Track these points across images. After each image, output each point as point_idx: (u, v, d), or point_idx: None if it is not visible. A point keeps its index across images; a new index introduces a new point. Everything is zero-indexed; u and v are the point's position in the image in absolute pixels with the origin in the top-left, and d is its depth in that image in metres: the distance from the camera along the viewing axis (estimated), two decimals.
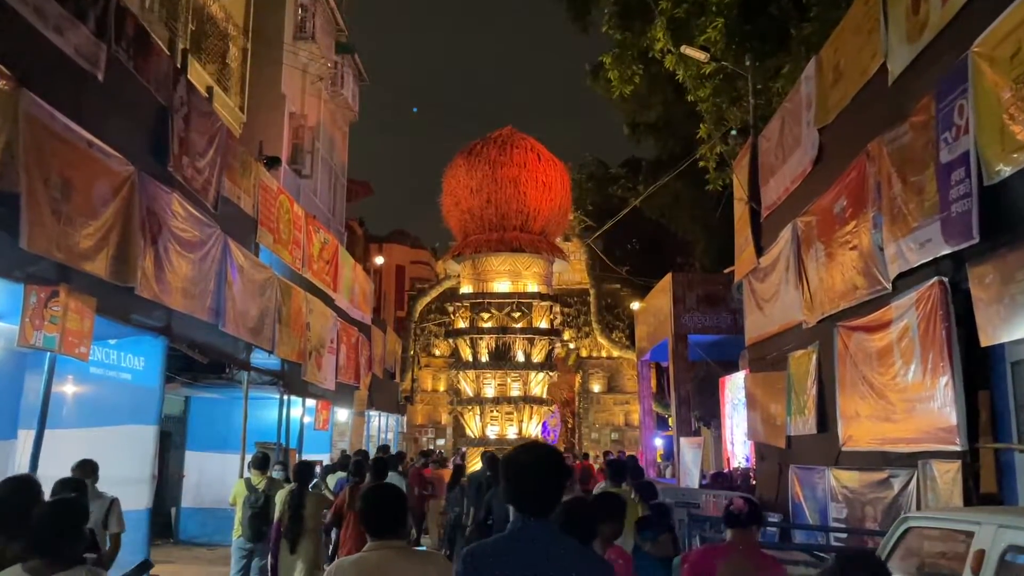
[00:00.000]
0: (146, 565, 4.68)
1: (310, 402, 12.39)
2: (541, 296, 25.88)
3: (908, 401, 6.18)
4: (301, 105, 17.70)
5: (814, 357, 8.30)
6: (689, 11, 13.23)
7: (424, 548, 5.58)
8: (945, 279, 5.58)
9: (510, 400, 25.48)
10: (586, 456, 21.96)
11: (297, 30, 16.88)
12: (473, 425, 25.79)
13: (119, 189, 6.39)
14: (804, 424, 8.53)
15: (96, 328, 6.20)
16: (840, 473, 7.53)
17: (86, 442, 7.34)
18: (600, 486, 9.26)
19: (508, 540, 2.20)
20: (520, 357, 25.55)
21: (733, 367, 16.10)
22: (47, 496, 4.35)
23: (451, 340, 26.89)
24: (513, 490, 2.22)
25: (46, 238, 5.43)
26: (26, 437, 6.17)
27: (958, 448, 5.50)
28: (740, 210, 11.40)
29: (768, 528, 9.03)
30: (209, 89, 11.42)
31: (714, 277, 16.83)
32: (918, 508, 6.05)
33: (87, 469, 5.53)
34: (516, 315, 25.54)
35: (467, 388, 26.10)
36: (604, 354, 29.11)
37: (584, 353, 29.35)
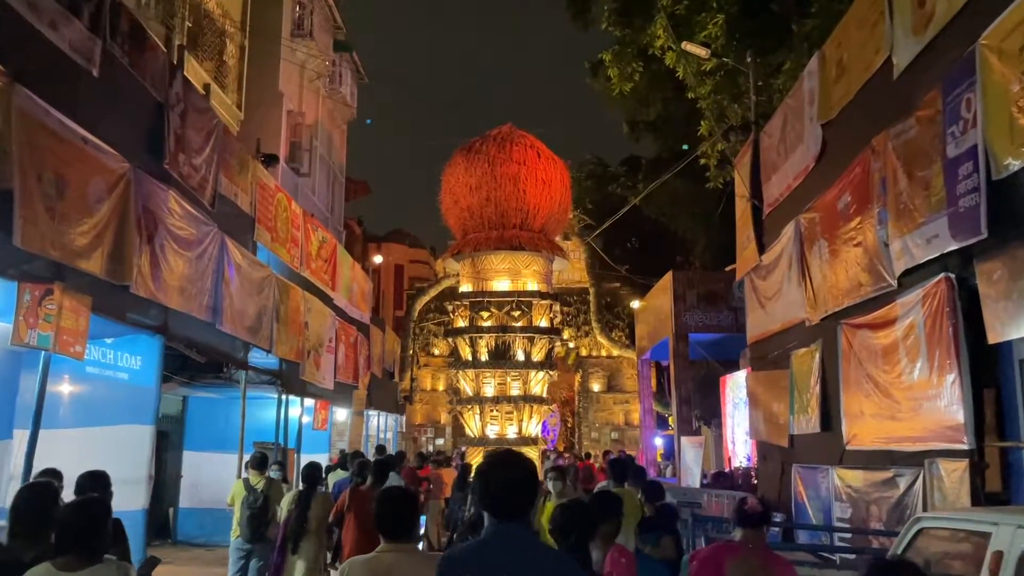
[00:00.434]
0: (154, 561, 4.63)
1: (308, 402, 12.31)
2: (541, 295, 25.76)
3: (914, 399, 6.11)
4: (299, 103, 17.61)
5: (817, 355, 8.23)
6: (689, 7, 13.16)
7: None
8: (952, 275, 5.52)
9: (510, 399, 25.37)
10: (588, 456, 21.92)
11: (295, 27, 16.79)
12: (473, 424, 25.69)
13: (114, 186, 6.31)
14: (807, 423, 8.46)
15: (92, 327, 6.13)
16: (844, 472, 7.46)
17: (82, 442, 7.28)
18: (601, 486, 9.19)
19: (482, 545, 2.24)
20: (520, 356, 25.43)
21: (734, 366, 16.03)
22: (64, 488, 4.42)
23: (450, 339, 26.76)
24: (487, 496, 2.26)
25: (40, 235, 5.35)
26: (22, 437, 6.10)
27: (965, 447, 5.43)
28: (742, 207, 11.33)
29: (771, 528, 8.97)
30: (206, 86, 11.33)
31: (715, 275, 16.75)
32: (924, 508, 5.98)
33: (49, 477, 4.87)
34: (516, 314, 25.43)
35: (466, 387, 26.00)
36: (604, 353, 29.03)
37: (584, 352, 29.27)
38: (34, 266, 5.54)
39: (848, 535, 7.32)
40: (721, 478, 13.73)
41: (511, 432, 25.19)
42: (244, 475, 7.84)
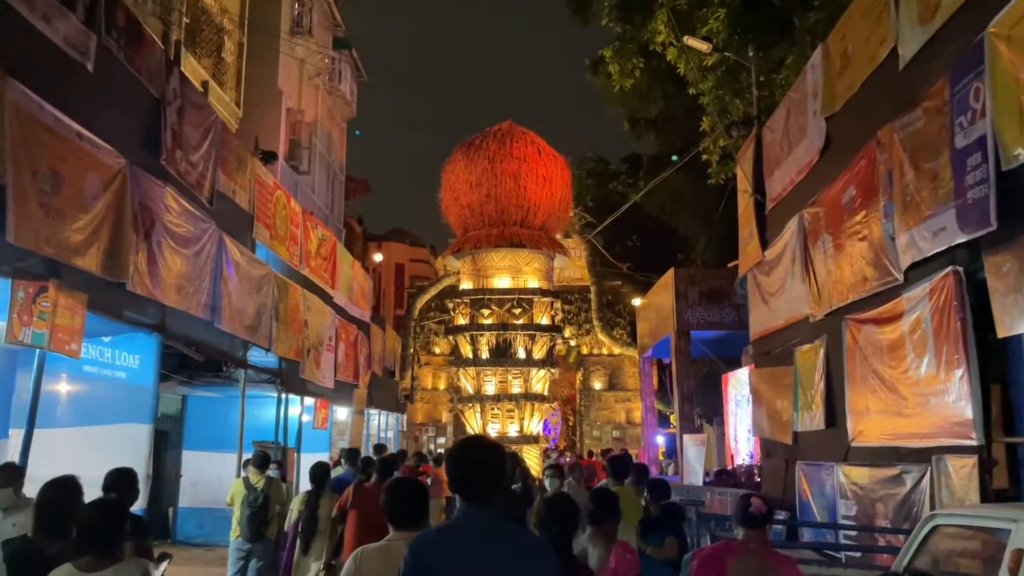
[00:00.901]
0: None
1: (308, 400, 12.23)
2: (542, 292, 25.64)
3: (921, 395, 6.03)
4: (298, 101, 17.53)
5: (822, 351, 8.15)
6: (691, 2, 13.08)
7: None
8: (960, 268, 5.44)
9: (511, 397, 25.26)
10: (590, 454, 21.84)
11: (294, 25, 16.70)
12: (474, 423, 25.59)
13: (110, 182, 6.23)
14: (811, 420, 8.38)
15: (89, 325, 6.05)
16: (849, 469, 7.38)
17: (80, 441, 7.22)
18: (602, 484, 9.11)
19: (454, 527, 2.36)
20: (521, 354, 25.33)
21: (736, 363, 15.96)
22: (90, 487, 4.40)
23: (451, 337, 26.63)
24: (457, 479, 2.37)
25: (34, 232, 5.27)
26: (18, 437, 6.02)
27: (974, 443, 5.35)
28: (744, 203, 11.24)
29: (775, 526, 8.90)
30: (204, 83, 11.24)
31: (717, 272, 16.66)
32: (932, 505, 5.90)
33: (10, 474, 4.73)
34: (517, 311, 25.32)
35: (467, 385, 25.90)
36: (605, 351, 28.95)
37: (585, 350, 29.19)
38: (29, 263, 5.47)
39: (853, 533, 7.25)
40: (724, 476, 13.67)
41: (512, 430, 25.09)
42: (244, 474, 7.79)
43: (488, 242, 25.04)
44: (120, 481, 4.30)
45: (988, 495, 5.25)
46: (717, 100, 13.26)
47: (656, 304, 18.97)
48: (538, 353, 25.47)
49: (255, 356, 10.02)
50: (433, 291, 29.04)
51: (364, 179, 29.75)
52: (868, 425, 7.02)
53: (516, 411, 25.28)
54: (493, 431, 25.05)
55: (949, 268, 5.52)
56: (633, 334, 25.45)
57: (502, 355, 25.25)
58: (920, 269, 5.96)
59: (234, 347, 9.31)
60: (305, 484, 11.91)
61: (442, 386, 29.04)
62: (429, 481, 12.28)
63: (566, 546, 3.06)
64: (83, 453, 7.12)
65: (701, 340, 16.30)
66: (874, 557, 6.68)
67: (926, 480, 6.04)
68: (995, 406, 5.73)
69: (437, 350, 29.00)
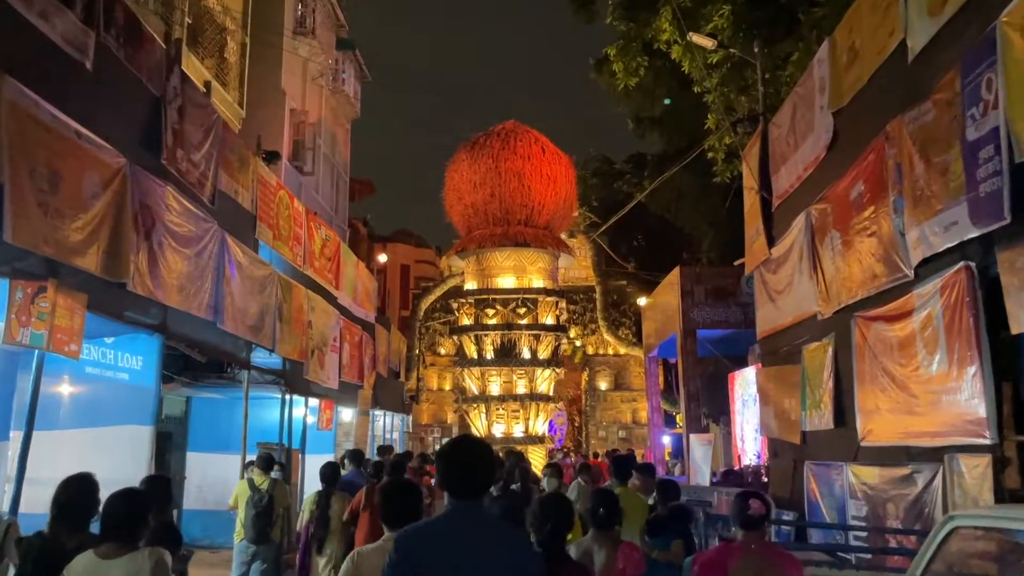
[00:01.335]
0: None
1: (313, 402, 12.17)
2: (547, 291, 25.53)
3: (932, 393, 5.92)
4: (302, 101, 17.48)
5: (830, 349, 8.04)
6: None
7: None
8: (972, 264, 5.33)
9: (516, 398, 25.15)
10: (595, 455, 21.73)
11: (297, 25, 16.66)
12: (479, 423, 25.50)
13: (110, 182, 6.17)
14: (820, 419, 8.28)
15: (90, 326, 6.00)
16: (859, 469, 7.27)
17: (82, 443, 7.18)
18: (606, 485, 9.01)
19: (441, 522, 2.44)
20: (526, 354, 25.22)
21: (743, 362, 15.84)
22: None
23: (455, 337, 26.54)
24: (446, 476, 2.46)
25: (32, 231, 5.21)
26: (19, 439, 5.96)
27: (988, 441, 5.25)
28: (750, 200, 11.14)
29: (783, 527, 8.79)
30: (207, 84, 11.18)
31: (723, 270, 16.53)
32: (944, 505, 5.80)
33: None
34: (521, 311, 25.21)
35: (472, 386, 25.80)
36: (611, 351, 28.86)
37: (590, 351, 29.10)
38: (27, 263, 5.40)
39: (864, 534, 7.14)
40: (731, 476, 13.56)
41: (517, 431, 25.00)
42: (248, 475, 7.74)
43: (492, 242, 24.94)
44: (153, 488, 4.42)
45: (1004, 495, 5.14)
46: (722, 97, 13.15)
47: (661, 303, 18.86)
48: (543, 353, 25.36)
49: (259, 357, 9.96)
50: (438, 292, 28.98)
51: (369, 180, 29.73)
52: (878, 424, 6.92)
53: (521, 411, 25.17)
54: (498, 432, 24.96)
55: (961, 263, 5.41)
56: (638, 334, 25.33)
57: (507, 355, 25.15)
58: (931, 265, 5.85)
59: (237, 348, 9.25)
60: (310, 486, 11.93)
61: (447, 387, 28.98)
62: (434, 482, 12.20)
63: (559, 544, 3.11)
64: (85, 455, 7.07)
65: (707, 339, 16.18)
66: (885, 559, 6.58)
67: (938, 480, 5.94)
68: (1007, 404, 5.62)
69: (442, 351, 28.95)
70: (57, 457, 6.98)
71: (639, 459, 18.72)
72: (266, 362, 10.25)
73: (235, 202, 9.29)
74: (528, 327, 25.07)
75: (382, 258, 27.81)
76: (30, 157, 5.20)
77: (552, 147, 25.49)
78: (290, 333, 10.54)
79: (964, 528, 2.72)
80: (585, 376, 29.05)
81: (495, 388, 25.36)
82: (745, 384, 14.95)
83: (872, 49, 6.93)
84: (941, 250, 5.59)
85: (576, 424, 29.66)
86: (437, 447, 25.54)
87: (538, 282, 25.61)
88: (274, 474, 7.65)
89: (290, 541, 10.60)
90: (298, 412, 11.48)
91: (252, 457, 8.57)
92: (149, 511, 3.31)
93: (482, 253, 25.39)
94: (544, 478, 6.78)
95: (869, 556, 6.85)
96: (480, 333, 25.26)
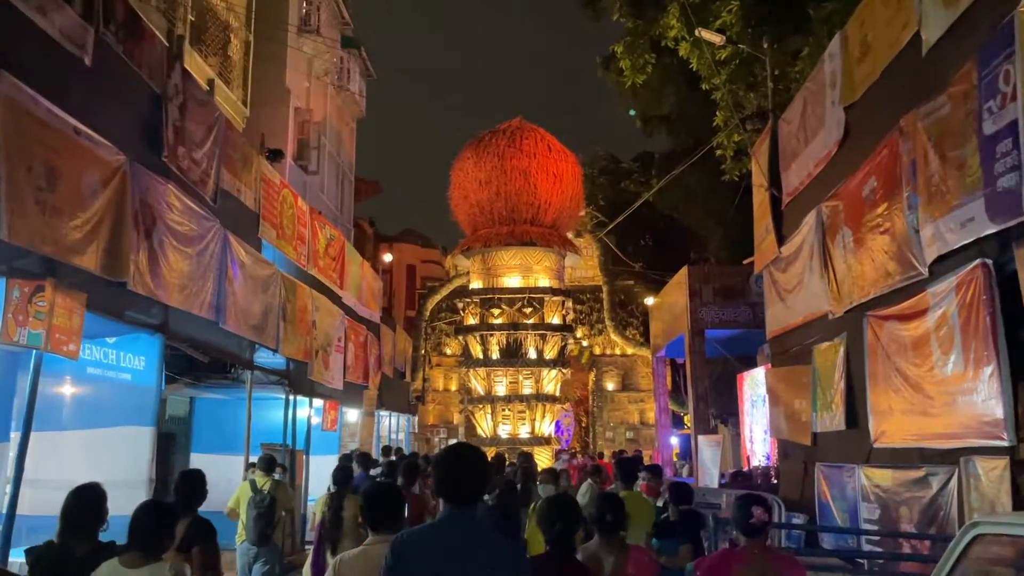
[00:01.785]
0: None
1: (317, 402, 12.09)
2: (553, 291, 25.36)
3: (948, 394, 5.78)
4: (307, 100, 17.41)
5: (841, 349, 7.90)
6: None
7: None
8: (989, 261, 5.19)
9: (522, 398, 24.99)
10: (600, 456, 21.60)
11: (302, 23, 16.59)
12: (484, 424, 25.37)
13: (109, 179, 6.09)
14: (831, 420, 8.14)
15: (91, 326, 5.92)
16: (872, 471, 7.13)
17: (83, 444, 7.11)
18: (611, 489, 8.88)
19: (436, 528, 2.47)
20: (532, 354, 25.07)
21: (752, 362, 15.69)
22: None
23: (461, 337, 26.42)
24: (441, 483, 2.50)
25: (29, 229, 5.13)
26: (19, 440, 5.90)
27: (1005, 443, 5.10)
28: (760, 198, 10.99)
29: (793, 531, 8.65)
30: (210, 82, 11.14)
31: (731, 269, 16.38)
32: (960, 508, 5.66)
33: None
34: (527, 310, 25.06)
35: (478, 386, 25.66)
36: (618, 352, 28.70)
37: (597, 351, 28.94)
38: (25, 262, 5.33)
39: (876, 538, 7.00)
40: (739, 478, 13.42)
41: (523, 432, 24.86)
42: (250, 477, 7.67)
43: (498, 240, 24.80)
44: (187, 483, 4.59)
45: (1022, 498, 5.00)
46: (731, 94, 13.01)
47: (669, 303, 18.71)
48: (549, 353, 25.20)
49: (262, 357, 9.89)
50: (444, 291, 28.88)
51: (375, 180, 29.65)
52: (891, 425, 6.77)
53: (527, 412, 25.03)
54: (504, 433, 24.83)
55: (977, 261, 5.27)
56: (646, 334, 25.17)
57: (513, 355, 24.99)
58: (946, 262, 5.71)
59: (241, 348, 9.18)
60: (315, 487, 11.85)
61: (454, 387, 28.88)
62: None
63: (568, 545, 3.15)
64: (87, 456, 7.02)
65: (716, 339, 16.03)
66: (899, 564, 6.44)
67: (953, 482, 5.80)
68: (1022, 406, 5.48)
69: (448, 351, 28.85)
70: (59, 458, 6.92)
71: (647, 460, 18.60)
72: (270, 362, 10.18)
73: (238, 201, 9.21)
74: (534, 327, 24.91)
75: (387, 258, 27.72)
76: (27, 154, 5.11)
77: (558, 145, 25.33)
78: (294, 333, 10.46)
79: (987, 535, 2.59)
80: (592, 376, 28.89)
81: (501, 389, 25.21)
82: (754, 385, 14.80)
83: (885, 42, 6.79)
84: (957, 247, 5.46)
85: (583, 425, 29.52)
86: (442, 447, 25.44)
87: (544, 281, 25.45)
88: (277, 476, 7.57)
89: (294, 543, 10.53)
90: (302, 413, 11.40)
91: (256, 458, 8.49)
92: (175, 523, 3.44)
93: (488, 252, 25.24)
94: (539, 485, 6.63)
95: (880, 562, 6.72)
96: (486, 333, 25.11)
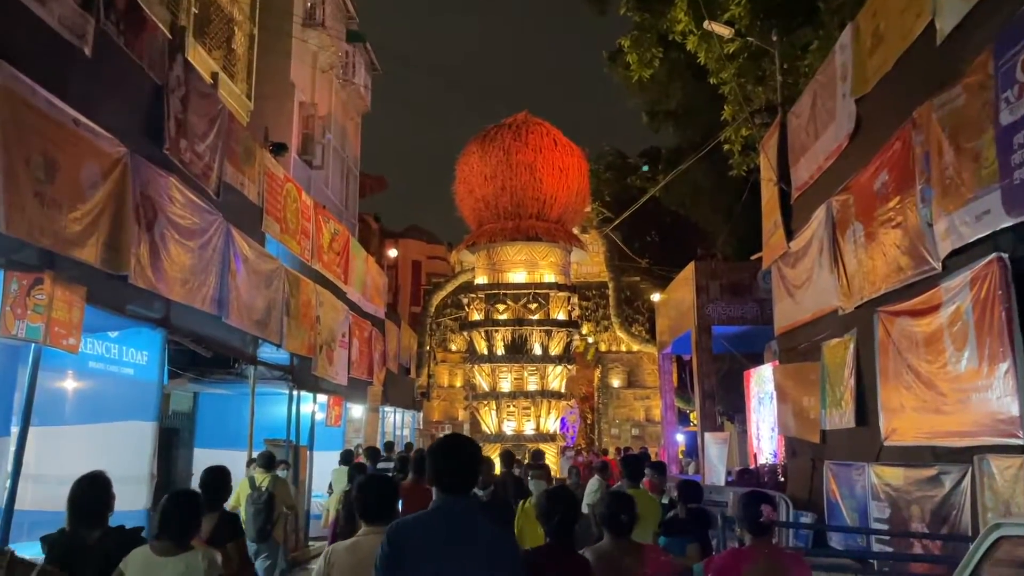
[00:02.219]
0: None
1: (322, 398, 12.03)
2: (559, 286, 25.20)
3: (961, 391, 5.67)
4: (311, 94, 17.32)
5: (852, 345, 7.78)
6: None
7: None
8: (1005, 255, 5.07)
9: (527, 394, 24.88)
10: (604, 452, 21.50)
11: (306, 16, 16.50)
12: (489, 421, 25.27)
13: (110, 171, 6.01)
14: (841, 417, 8.02)
15: (92, 320, 5.86)
16: (882, 470, 7.02)
17: (85, 439, 7.06)
18: (617, 486, 8.79)
19: (429, 515, 2.51)
20: (537, 350, 24.95)
21: (759, 359, 15.56)
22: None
23: (466, 333, 26.32)
24: (435, 473, 2.55)
25: (27, 222, 5.06)
26: (18, 434, 5.84)
27: (1020, 442, 4.99)
28: (768, 192, 10.87)
29: (801, 530, 8.54)
30: (214, 75, 11.05)
31: (739, 265, 16.24)
32: (973, 507, 5.55)
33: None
34: (533, 306, 24.93)
35: (482, 382, 25.56)
36: (623, 348, 28.58)
37: (603, 347, 28.83)
38: (24, 254, 5.26)
39: (887, 537, 6.89)
40: (746, 476, 13.30)
41: (528, 428, 24.76)
42: (250, 473, 7.61)
43: (503, 235, 24.66)
44: (213, 479, 4.65)
45: None
46: (739, 88, 12.87)
47: (676, 299, 18.59)
48: (555, 349, 25.09)
49: (266, 353, 9.82)
50: (449, 287, 28.81)
51: (381, 175, 29.59)
52: (903, 423, 6.66)
53: (532, 409, 24.92)
54: (509, 429, 24.75)
55: (993, 255, 5.16)
56: (652, 330, 25.05)
57: (518, 351, 24.87)
58: (960, 257, 5.59)
59: (244, 343, 9.11)
60: (318, 483, 11.80)
61: (459, 383, 28.81)
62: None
63: (567, 537, 3.19)
64: (89, 451, 6.96)
65: (723, 336, 15.90)
66: (909, 564, 6.34)
67: (966, 481, 5.69)
68: None
69: (453, 347, 28.78)
70: (61, 453, 6.87)
71: (652, 457, 18.48)
72: (273, 357, 10.11)
73: (241, 194, 9.14)
74: (539, 323, 24.78)
75: (392, 253, 27.64)
76: (25, 145, 5.04)
77: (564, 139, 25.16)
78: (298, 328, 10.39)
79: (1011, 537, 2.49)
80: (598, 373, 28.80)
81: (506, 385, 25.11)
82: (761, 382, 14.67)
83: (898, 33, 6.66)
84: (971, 241, 5.34)
85: (588, 422, 29.43)
86: None
87: (550, 277, 25.31)
88: (281, 473, 7.51)
89: (298, 540, 10.48)
90: (306, 408, 11.35)
91: (257, 455, 8.43)
92: (202, 512, 3.55)
93: (493, 247, 25.11)
94: (531, 480, 6.54)
95: (891, 562, 6.61)
96: (491, 329, 24.99)
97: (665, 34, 14.92)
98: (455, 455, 2.56)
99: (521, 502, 5.62)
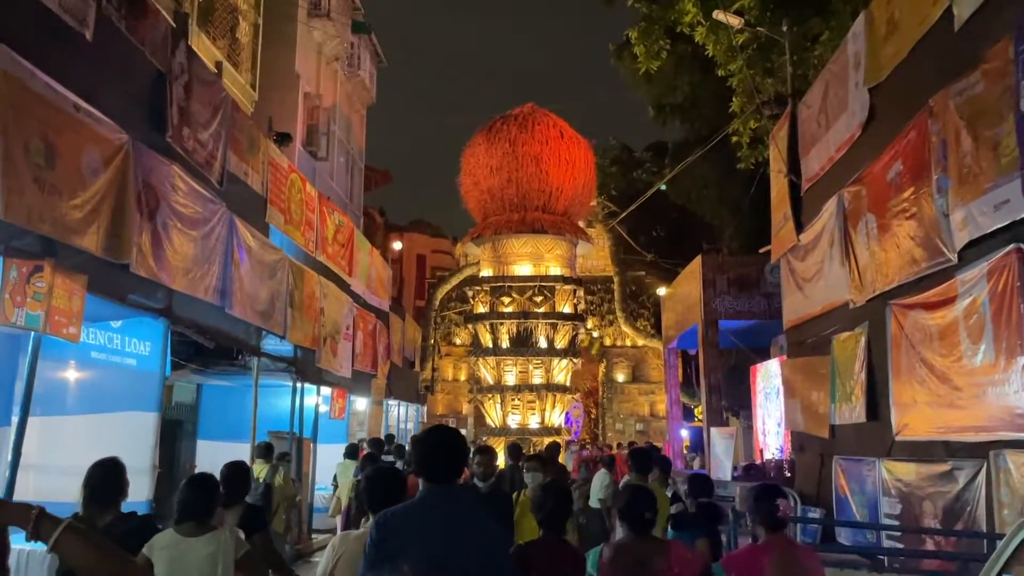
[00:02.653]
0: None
1: (325, 390, 11.96)
2: (564, 279, 25.06)
3: (977, 385, 5.55)
4: (316, 85, 17.21)
5: (863, 339, 7.67)
6: None
7: None
8: (1023, 246, 4.95)
9: (532, 388, 24.78)
10: (610, 446, 21.41)
11: (312, 6, 16.37)
12: (493, 414, 25.20)
13: (111, 158, 5.92)
14: (851, 412, 7.91)
15: (94, 309, 5.78)
16: (894, 465, 6.91)
17: (87, 429, 7.00)
18: (625, 479, 8.70)
19: (416, 504, 2.56)
20: (542, 343, 24.84)
21: (766, 354, 15.45)
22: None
23: (470, 325, 26.21)
24: (421, 462, 2.60)
25: (26, 208, 4.97)
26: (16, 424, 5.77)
27: None
28: (778, 185, 10.74)
29: (809, 525, 8.45)
30: (218, 64, 10.97)
31: (747, 259, 16.11)
32: (988, 504, 5.44)
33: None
34: (538, 299, 24.80)
35: (487, 375, 25.47)
36: (628, 343, 28.48)
37: (608, 342, 28.73)
38: (24, 242, 5.18)
39: (897, 534, 6.79)
40: (752, 471, 13.21)
41: (533, 422, 24.68)
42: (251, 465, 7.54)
43: (509, 228, 24.53)
44: (234, 473, 4.68)
45: None
46: (747, 80, 12.72)
47: (682, 293, 18.47)
48: (560, 342, 24.97)
49: (269, 344, 9.74)
50: (454, 281, 28.72)
51: (385, 169, 29.48)
52: (915, 418, 6.55)
53: (537, 402, 24.84)
54: (513, 423, 24.67)
55: (1011, 246, 5.04)
56: (657, 325, 24.93)
57: (523, 344, 24.76)
58: (977, 248, 5.48)
59: (247, 334, 9.02)
60: (322, 475, 11.73)
61: (463, 377, 28.75)
62: None
63: (559, 528, 3.28)
64: (90, 441, 6.89)
65: (729, 330, 15.79)
66: (920, 560, 6.23)
67: (981, 477, 5.58)
68: None
69: (458, 341, 28.71)
70: (62, 443, 6.81)
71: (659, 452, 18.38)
72: (277, 349, 10.03)
73: (245, 184, 9.04)
74: (545, 315, 24.65)
75: (397, 246, 27.54)
76: (24, 129, 4.95)
77: (571, 131, 24.99)
78: (301, 320, 10.31)
79: None
80: (602, 368, 28.70)
81: (511, 378, 25.00)
82: (767, 377, 14.57)
83: (913, 20, 6.52)
84: (989, 231, 5.22)
85: (592, 416, 29.35)
86: None
87: (555, 270, 25.18)
88: (283, 466, 7.43)
89: (301, 532, 10.42)
90: (310, 401, 11.27)
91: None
92: (219, 494, 3.63)
93: (498, 240, 24.98)
94: (527, 473, 6.44)
95: (901, 558, 6.50)
96: (496, 321, 24.87)
97: (673, 26, 14.78)
98: (439, 446, 2.60)
99: (516, 493, 5.55)
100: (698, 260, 16.14)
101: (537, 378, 24.86)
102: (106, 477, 3.55)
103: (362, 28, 19.96)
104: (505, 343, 24.84)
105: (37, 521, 1.62)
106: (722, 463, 14.02)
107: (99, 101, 5.77)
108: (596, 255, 28.34)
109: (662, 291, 23.20)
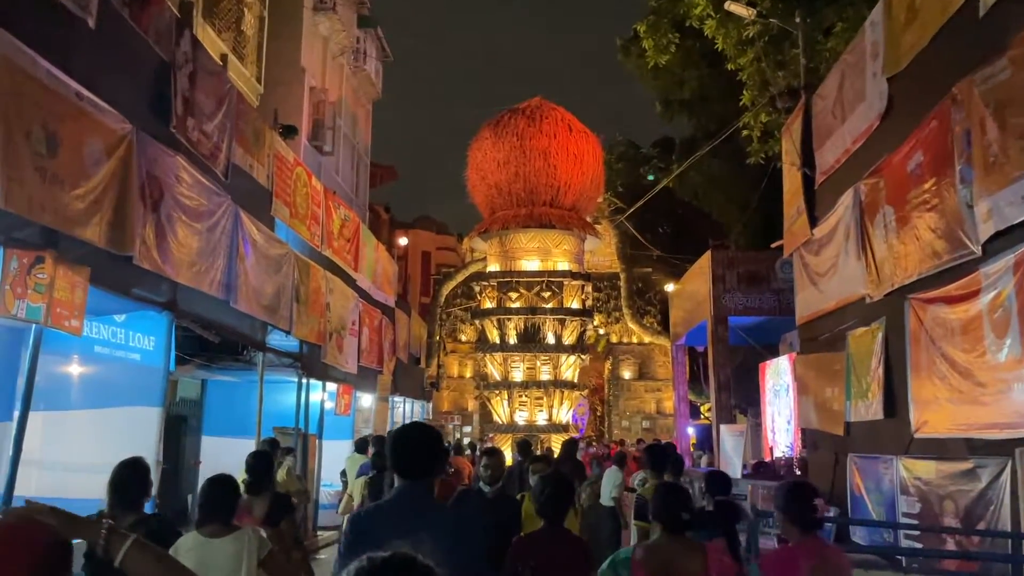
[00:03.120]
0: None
1: (331, 386, 11.85)
2: (572, 274, 24.85)
3: (1001, 381, 5.39)
4: (322, 80, 17.09)
5: (880, 334, 7.50)
6: None
7: None
8: None
9: (539, 384, 24.62)
10: (617, 443, 21.27)
11: (318, 0, 16.26)
12: (500, 411, 25.06)
13: (114, 148, 5.81)
14: (867, 409, 7.76)
15: (97, 303, 5.68)
16: (912, 463, 6.75)
17: (91, 424, 6.93)
18: (637, 476, 8.56)
19: (389, 501, 2.60)
20: (550, 339, 24.67)
21: (775, 351, 15.29)
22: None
23: (477, 321, 26.03)
24: (396, 459, 2.63)
25: (26, 197, 4.86)
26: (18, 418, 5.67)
27: None
28: (791, 178, 10.57)
29: (824, 524, 8.29)
30: (224, 57, 10.86)
31: (757, 255, 15.92)
32: (1013, 503, 5.29)
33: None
34: (546, 294, 24.63)
35: (494, 372, 25.32)
36: (635, 340, 28.33)
37: (614, 339, 28.59)
38: (26, 232, 5.07)
39: (916, 533, 6.64)
40: (761, 468, 13.05)
41: (541, 418, 24.54)
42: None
43: (516, 223, 24.35)
44: (259, 462, 4.77)
45: None
46: (759, 73, 12.55)
47: (690, 290, 18.30)
48: (568, 338, 24.80)
49: (275, 339, 9.64)
50: (459, 277, 28.60)
51: (391, 165, 29.38)
52: (935, 414, 6.39)
53: (545, 399, 24.69)
54: (521, 419, 24.54)
55: None
56: (664, 322, 24.77)
57: (530, 340, 24.60)
58: (1003, 240, 5.31)
59: (253, 329, 8.92)
60: (327, 472, 11.63)
61: (468, 374, 28.65)
62: (451, 470, 11.84)
63: (559, 517, 3.31)
64: (94, 436, 6.84)
65: (739, 327, 15.62)
66: (940, 561, 6.08)
67: (1006, 475, 5.42)
68: None
69: (463, 337, 28.60)
70: (66, 439, 6.72)
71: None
72: (282, 344, 9.94)
73: (250, 177, 8.94)
74: (553, 311, 24.47)
75: (403, 242, 27.44)
76: (25, 117, 4.84)
77: (579, 125, 24.80)
78: (307, 315, 10.20)
79: None
80: (608, 365, 28.55)
81: (518, 374, 24.85)
82: (777, 374, 14.40)
83: (935, 7, 6.36)
84: (1016, 222, 5.05)
85: (598, 414, 29.22)
86: (458, 435, 25.24)
87: (563, 265, 24.99)
88: (289, 461, 7.32)
89: (306, 529, 10.31)
90: (315, 397, 11.18)
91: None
92: (240, 493, 3.67)
93: (505, 234, 24.80)
94: (535, 475, 6.33)
95: (920, 558, 6.35)
96: (503, 317, 24.71)
97: (681, 21, 14.62)
98: (410, 442, 2.63)
99: (520, 495, 5.44)
100: (707, 256, 15.97)
101: (545, 374, 24.70)
102: (130, 476, 3.56)
103: (368, 22, 19.85)
104: (512, 339, 24.68)
105: (108, 535, 1.62)
106: (732, 461, 13.87)
107: (102, 90, 5.66)
108: (602, 252, 28.19)
109: (670, 287, 23.04)
